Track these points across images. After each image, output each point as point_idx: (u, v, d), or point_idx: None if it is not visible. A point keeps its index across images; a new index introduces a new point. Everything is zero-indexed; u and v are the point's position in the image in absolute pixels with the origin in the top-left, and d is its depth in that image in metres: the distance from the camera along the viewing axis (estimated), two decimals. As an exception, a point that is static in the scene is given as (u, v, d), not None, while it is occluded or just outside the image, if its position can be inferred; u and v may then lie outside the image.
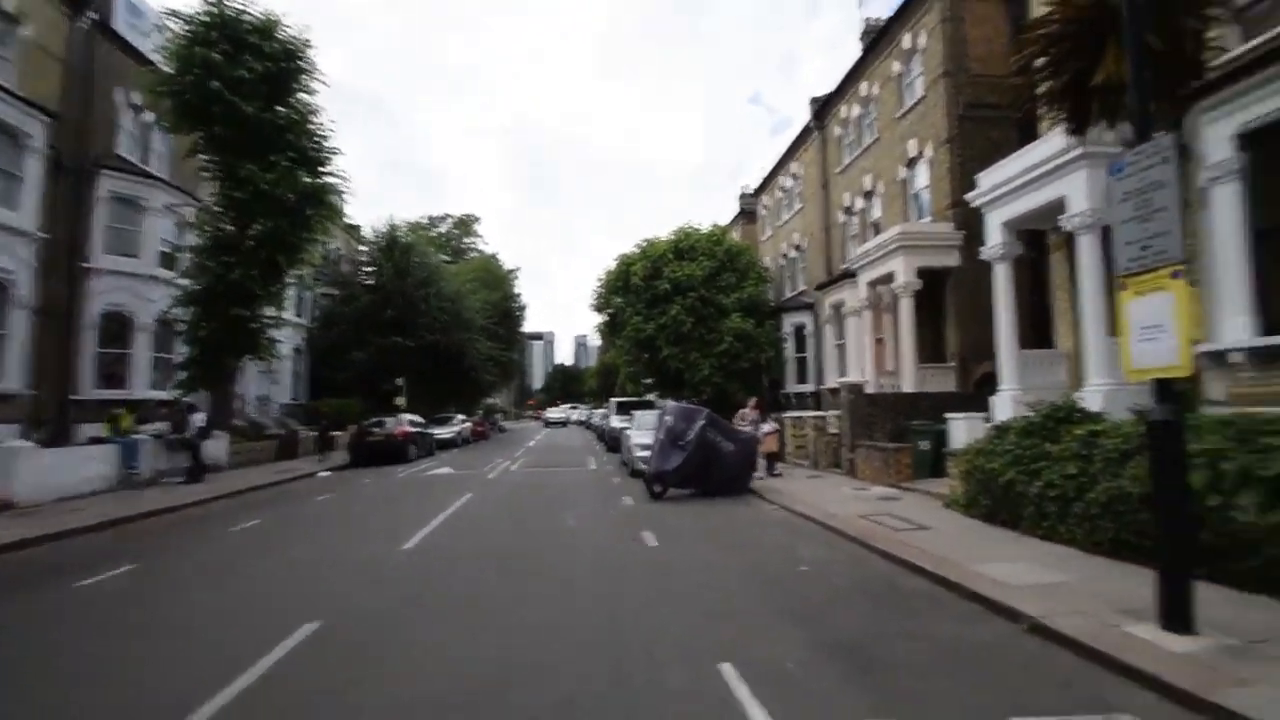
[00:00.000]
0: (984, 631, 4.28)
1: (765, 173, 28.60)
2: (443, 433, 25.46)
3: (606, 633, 4.33)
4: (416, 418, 22.55)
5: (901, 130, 16.24)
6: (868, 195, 18.43)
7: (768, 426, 12.92)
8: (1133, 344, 4.02)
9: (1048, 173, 9.44)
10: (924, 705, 3.21)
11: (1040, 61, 6.92)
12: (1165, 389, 3.89)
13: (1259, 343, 6.52)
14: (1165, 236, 3.79)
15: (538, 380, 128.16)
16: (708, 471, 10.80)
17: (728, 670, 3.58)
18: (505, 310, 42.84)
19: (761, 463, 12.35)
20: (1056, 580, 5.10)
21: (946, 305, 14.41)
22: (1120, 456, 5.72)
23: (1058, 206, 9.34)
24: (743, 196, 33.80)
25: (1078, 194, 8.88)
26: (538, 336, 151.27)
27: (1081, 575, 5.20)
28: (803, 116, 22.95)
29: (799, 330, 22.11)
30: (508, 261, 57.58)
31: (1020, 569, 5.44)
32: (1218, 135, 7.08)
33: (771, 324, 22.87)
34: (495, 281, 42.38)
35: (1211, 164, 7.13)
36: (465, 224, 51.62)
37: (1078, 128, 7.00)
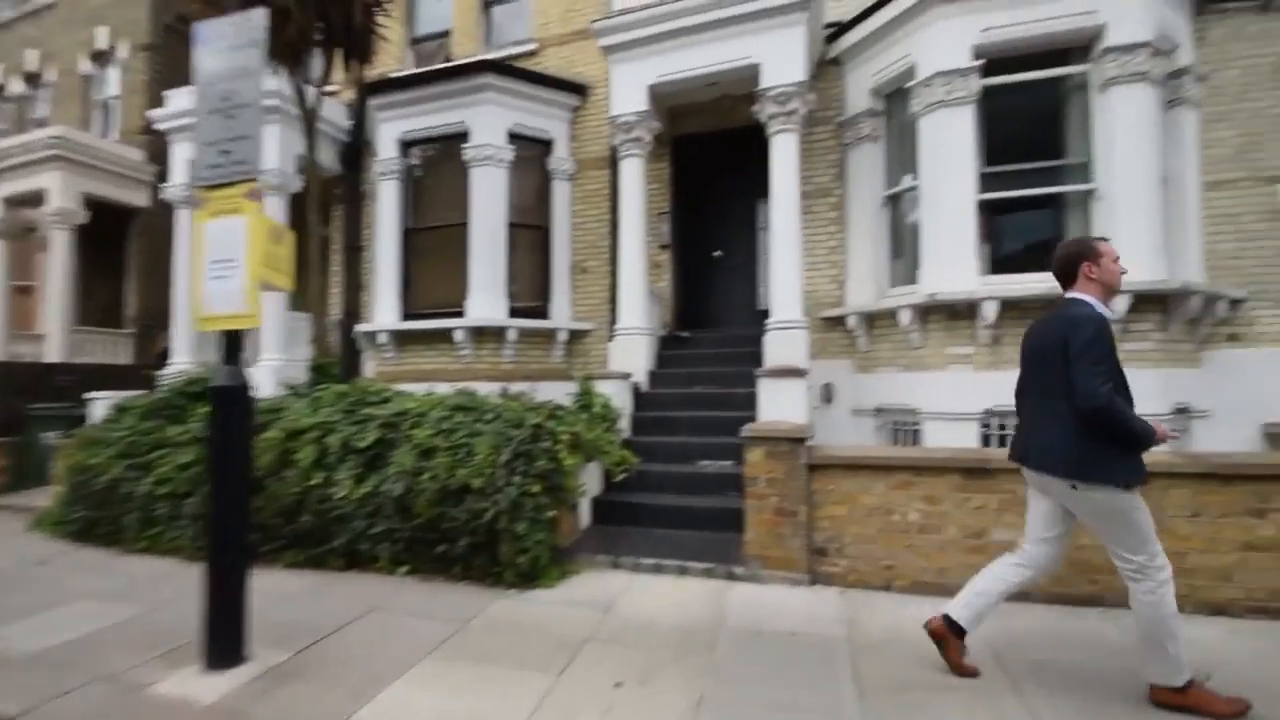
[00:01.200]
0: None
1: None
2: None
3: None
4: None
5: (91, 8, 11.79)
6: (33, 80, 12.62)
7: None
8: (206, 282, 2.95)
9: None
10: None
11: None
12: (233, 344, 2.98)
13: (400, 326, 7.21)
14: (246, 141, 2.87)
15: None
16: None
17: None
18: None
19: None
20: (115, 620, 3.57)
21: (130, 255, 11.13)
22: (245, 437, 4.82)
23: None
24: None
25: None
26: None
27: (157, 601, 3.87)
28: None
29: None
30: None
31: (73, 615, 3.64)
32: (388, 135, 7.57)
33: None
34: None
35: (382, 159, 7.56)
36: None
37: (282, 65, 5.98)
